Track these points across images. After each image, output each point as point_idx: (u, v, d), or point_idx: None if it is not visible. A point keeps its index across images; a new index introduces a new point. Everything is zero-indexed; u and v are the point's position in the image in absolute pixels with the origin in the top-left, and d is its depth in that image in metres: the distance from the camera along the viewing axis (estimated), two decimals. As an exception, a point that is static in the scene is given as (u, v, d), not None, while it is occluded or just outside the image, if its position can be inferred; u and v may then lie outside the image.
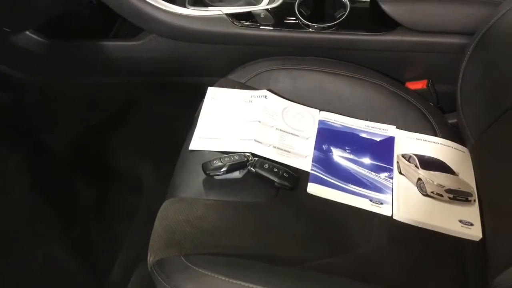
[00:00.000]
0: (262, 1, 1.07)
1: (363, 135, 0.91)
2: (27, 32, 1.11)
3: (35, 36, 1.12)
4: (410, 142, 0.91)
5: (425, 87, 1.06)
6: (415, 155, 0.88)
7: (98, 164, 1.31)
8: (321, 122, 0.93)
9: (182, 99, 1.08)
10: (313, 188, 0.83)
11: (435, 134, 0.93)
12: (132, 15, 1.03)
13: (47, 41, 1.13)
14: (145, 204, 1.21)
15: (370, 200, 0.82)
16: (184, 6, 1.07)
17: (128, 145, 1.32)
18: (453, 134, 0.94)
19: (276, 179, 0.81)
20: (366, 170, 0.86)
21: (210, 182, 0.82)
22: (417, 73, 1.08)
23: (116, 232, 1.18)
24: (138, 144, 1.32)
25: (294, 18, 1.03)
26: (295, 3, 1.04)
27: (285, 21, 1.04)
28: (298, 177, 0.84)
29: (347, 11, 1.02)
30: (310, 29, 1.03)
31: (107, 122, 1.35)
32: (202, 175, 0.81)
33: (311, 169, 0.85)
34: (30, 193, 1.18)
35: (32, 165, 1.23)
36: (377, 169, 0.87)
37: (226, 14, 1.02)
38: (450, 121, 1.01)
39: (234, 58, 1.04)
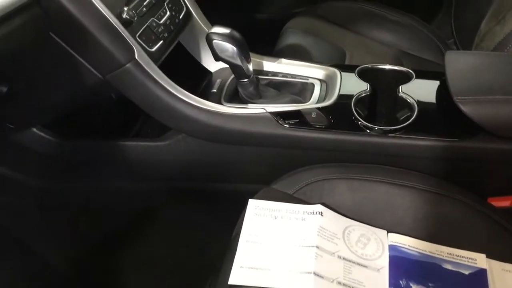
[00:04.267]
0: (311, 98, 0.98)
1: (447, 266, 0.76)
2: (34, 129, 1.03)
3: (42, 134, 1.04)
4: (507, 277, 0.76)
5: (514, 204, 0.95)
6: (519, 295, 0.73)
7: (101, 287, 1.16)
8: (392, 247, 0.78)
9: (213, 210, 1.01)
10: None
11: (536, 264, 0.77)
12: (159, 112, 0.93)
13: (56, 140, 1.05)
14: None
15: None
16: (219, 102, 0.98)
17: (141, 264, 1.18)
18: None
19: (347, 333, 0.65)
20: None
21: (259, 335, 0.66)
22: (502, 186, 0.95)
23: None
24: (154, 264, 1.18)
25: (352, 119, 0.93)
26: (351, 101, 0.94)
27: (340, 122, 0.93)
28: (375, 328, 0.67)
29: (415, 113, 0.91)
30: (370, 131, 0.92)
31: (116, 235, 1.23)
32: (249, 325, 0.65)
33: (391, 316, 0.69)
34: None
35: (21, 285, 1.11)
36: (473, 315, 0.70)
37: (270, 113, 0.92)
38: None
39: (278, 164, 0.94)
